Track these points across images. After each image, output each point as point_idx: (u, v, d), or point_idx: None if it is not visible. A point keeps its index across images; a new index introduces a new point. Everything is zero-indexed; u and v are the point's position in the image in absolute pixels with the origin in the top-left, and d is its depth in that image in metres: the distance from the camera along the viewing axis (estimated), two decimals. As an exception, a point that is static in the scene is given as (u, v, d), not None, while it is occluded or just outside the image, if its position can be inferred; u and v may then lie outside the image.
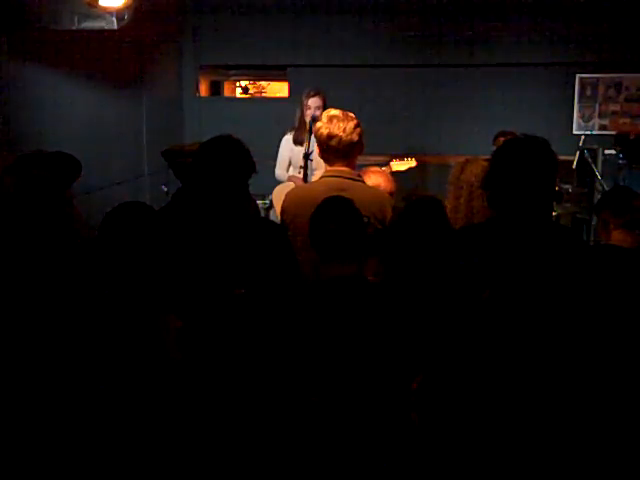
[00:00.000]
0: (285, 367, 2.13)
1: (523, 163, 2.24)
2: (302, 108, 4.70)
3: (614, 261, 2.63)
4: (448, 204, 3.02)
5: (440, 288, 2.23)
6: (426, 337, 2.16)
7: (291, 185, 4.44)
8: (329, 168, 2.99)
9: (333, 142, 2.90)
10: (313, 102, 4.63)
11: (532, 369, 2.06)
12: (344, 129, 2.89)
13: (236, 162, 2.55)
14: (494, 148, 5.18)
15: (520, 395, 2.03)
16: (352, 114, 2.99)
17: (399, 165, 5.13)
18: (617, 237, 2.78)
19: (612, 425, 2.12)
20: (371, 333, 2.15)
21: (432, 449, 2.03)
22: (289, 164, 4.87)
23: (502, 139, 5.22)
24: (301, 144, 4.41)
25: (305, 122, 4.51)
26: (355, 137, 2.92)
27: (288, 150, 4.83)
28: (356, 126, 2.93)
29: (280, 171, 4.90)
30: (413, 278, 2.38)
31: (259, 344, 2.19)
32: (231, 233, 2.48)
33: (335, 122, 2.91)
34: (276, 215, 4.17)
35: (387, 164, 5.11)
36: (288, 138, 4.85)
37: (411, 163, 5.18)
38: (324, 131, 2.92)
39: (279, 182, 4.90)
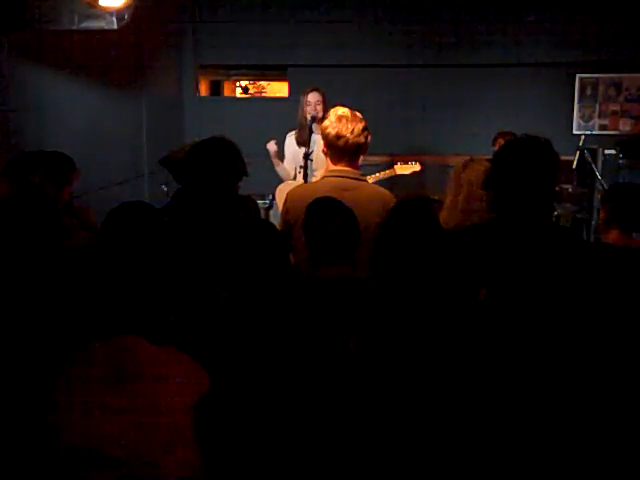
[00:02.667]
0: (280, 368, 2.12)
1: (526, 164, 2.24)
2: (302, 108, 4.70)
3: (614, 261, 2.63)
4: (447, 200, 3.01)
5: (432, 287, 2.22)
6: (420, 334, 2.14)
7: (293, 184, 4.43)
8: (332, 167, 2.94)
9: (340, 142, 2.86)
10: (312, 97, 4.62)
11: (527, 367, 2.06)
12: (352, 130, 2.85)
13: (223, 164, 2.53)
14: (494, 149, 5.24)
15: (517, 394, 2.03)
16: (359, 114, 2.94)
17: (403, 169, 5.13)
18: (612, 236, 2.75)
19: (609, 423, 2.12)
20: (368, 333, 2.15)
21: None
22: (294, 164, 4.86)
23: (501, 140, 5.25)
24: (304, 145, 4.40)
25: (306, 120, 4.51)
26: (362, 139, 2.88)
27: (291, 152, 4.83)
28: (364, 128, 2.89)
29: (285, 164, 4.88)
30: (400, 277, 2.37)
31: (250, 346, 2.18)
32: (218, 235, 2.46)
33: (344, 122, 2.86)
34: (278, 215, 4.16)
35: (392, 167, 5.12)
36: (291, 139, 4.84)
37: (415, 167, 5.17)
38: (332, 131, 2.87)
39: (280, 180, 4.90)
